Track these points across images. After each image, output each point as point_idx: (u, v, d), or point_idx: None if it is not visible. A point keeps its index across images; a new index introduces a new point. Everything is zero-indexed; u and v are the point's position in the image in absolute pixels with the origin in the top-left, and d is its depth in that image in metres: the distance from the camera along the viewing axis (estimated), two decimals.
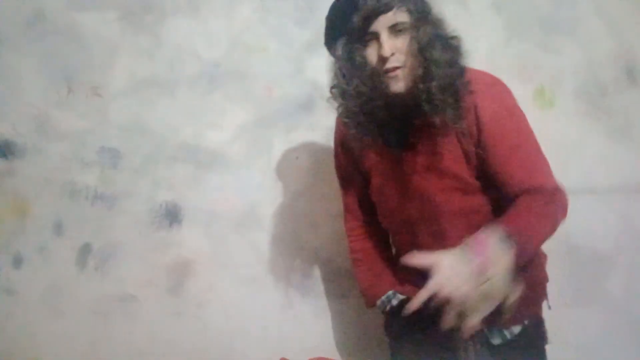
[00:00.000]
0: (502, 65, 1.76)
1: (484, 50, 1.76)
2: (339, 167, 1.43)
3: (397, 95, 1.11)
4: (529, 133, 1.21)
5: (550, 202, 1.17)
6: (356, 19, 1.08)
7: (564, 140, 1.75)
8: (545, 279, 1.32)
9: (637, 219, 1.73)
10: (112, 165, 1.74)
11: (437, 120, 1.10)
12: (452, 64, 1.10)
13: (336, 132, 1.40)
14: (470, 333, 1.03)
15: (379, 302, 1.37)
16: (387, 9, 1.07)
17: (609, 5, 1.78)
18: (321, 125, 1.69)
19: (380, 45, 1.09)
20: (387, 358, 1.46)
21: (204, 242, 1.75)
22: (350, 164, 1.36)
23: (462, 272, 0.99)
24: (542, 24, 1.78)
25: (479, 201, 1.20)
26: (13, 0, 1.74)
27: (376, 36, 1.09)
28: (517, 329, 1.23)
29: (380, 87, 1.10)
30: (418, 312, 1.04)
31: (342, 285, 1.74)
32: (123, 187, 1.74)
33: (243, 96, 1.77)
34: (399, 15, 1.08)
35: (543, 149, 1.74)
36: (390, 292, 1.35)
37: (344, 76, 1.13)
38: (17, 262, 1.73)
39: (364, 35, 1.10)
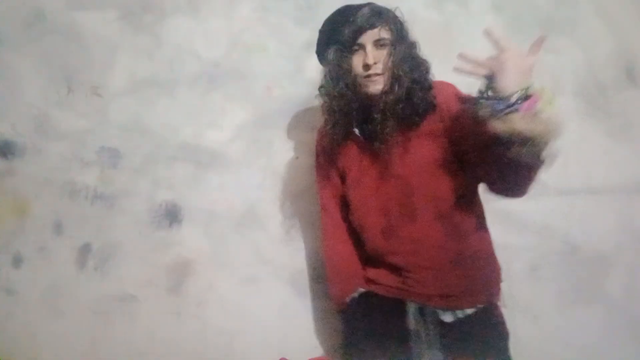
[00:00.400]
0: None
1: (484, 50, 1.76)
2: (318, 168, 1.56)
3: (374, 95, 1.32)
4: None
5: None
6: (347, 31, 1.31)
7: (563, 140, 1.74)
8: (498, 268, 1.43)
9: (637, 218, 1.73)
10: (111, 165, 1.75)
11: (406, 118, 1.32)
12: (416, 81, 1.31)
13: (317, 138, 1.57)
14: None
15: (347, 301, 1.47)
16: (373, 25, 1.30)
17: (608, 5, 1.78)
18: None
19: (365, 55, 1.30)
20: (386, 358, 1.46)
21: (204, 242, 1.75)
22: (327, 164, 1.51)
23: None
24: (542, 24, 1.78)
25: (446, 188, 1.34)
26: (13, 0, 1.74)
27: (362, 47, 1.31)
28: (470, 310, 1.34)
29: (360, 89, 1.33)
30: (378, 304, 1.38)
31: None
32: (123, 186, 1.74)
33: (243, 96, 1.77)
34: (383, 32, 1.31)
35: None
36: (357, 291, 1.47)
37: (332, 79, 1.35)
38: (17, 261, 1.74)
39: (352, 46, 1.31)
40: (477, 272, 1.36)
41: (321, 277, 1.73)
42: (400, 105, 1.30)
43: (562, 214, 1.73)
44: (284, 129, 1.77)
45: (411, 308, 1.36)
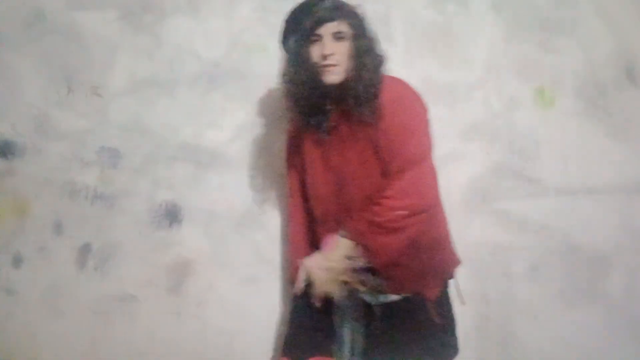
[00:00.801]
0: (502, 65, 1.76)
1: (484, 50, 1.77)
2: (287, 153, 1.64)
3: (330, 85, 1.38)
4: (416, 129, 1.43)
5: (396, 207, 1.36)
6: (308, 22, 1.37)
7: (563, 139, 1.75)
8: (445, 262, 1.48)
9: (637, 218, 1.73)
10: (111, 165, 1.75)
11: (356, 111, 1.37)
12: (376, 73, 1.39)
13: (288, 129, 1.63)
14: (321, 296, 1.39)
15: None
16: (332, 19, 1.37)
17: (608, 5, 1.78)
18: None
19: (323, 46, 1.36)
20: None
21: (204, 241, 1.75)
22: (293, 150, 1.59)
23: (313, 260, 1.41)
24: (542, 25, 1.78)
25: (378, 180, 1.40)
26: (13, 0, 1.74)
27: (321, 38, 1.37)
28: (394, 297, 1.41)
29: (317, 78, 1.38)
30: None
31: None
32: (123, 186, 1.74)
33: (243, 96, 1.77)
34: (341, 26, 1.37)
35: (543, 148, 1.76)
36: None
37: (292, 67, 1.42)
38: (17, 261, 1.74)
39: (312, 36, 1.38)
40: (410, 262, 1.39)
41: None
42: (352, 98, 1.37)
43: (562, 213, 1.73)
44: (284, 129, 1.77)
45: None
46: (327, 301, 1.42)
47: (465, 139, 1.76)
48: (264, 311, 1.74)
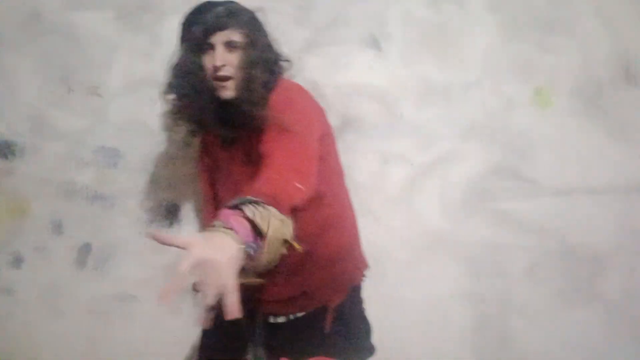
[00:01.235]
0: (499, 65, 1.76)
1: (481, 50, 1.77)
2: (200, 158, 1.56)
3: (226, 101, 1.29)
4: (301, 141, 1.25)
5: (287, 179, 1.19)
6: (198, 30, 1.27)
7: (561, 139, 1.76)
8: (350, 269, 1.44)
9: (636, 218, 1.74)
10: (111, 165, 1.74)
11: (251, 123, 1.27)
12: (268, 84, 1.30)
13: None
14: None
15: None
16: (224, 27, 1.27)
17: (606, 5, 1.78)
18: None
19: (214, 57, 1.27)
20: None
21: None
22: (204, 156, 1.53)
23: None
24: (539, 24, 1.78)
25: None
26: (10, 0, 1.73)
27: (213, 47, 1.28)
28: (300, 314, 1.37)
29: (208, 92, 1.29)
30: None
31: None
32: (122, 186, 1.74)
33: None
34: (234, 35, 1.28)
35: (541, 148, 1.76)
36: None
37: (177, 77, 1.31)
38: (16, 261, 1.74)
39: (203, 45, 1.28)
40: (311, 278, 1.35)
41: None
42: (245, 115, 1.27)
43: (559, 214, 1.73)
44: None
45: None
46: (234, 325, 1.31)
47: (463, 139, 1.76)
48: None
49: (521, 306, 1.72)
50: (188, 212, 1.75)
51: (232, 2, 1.34)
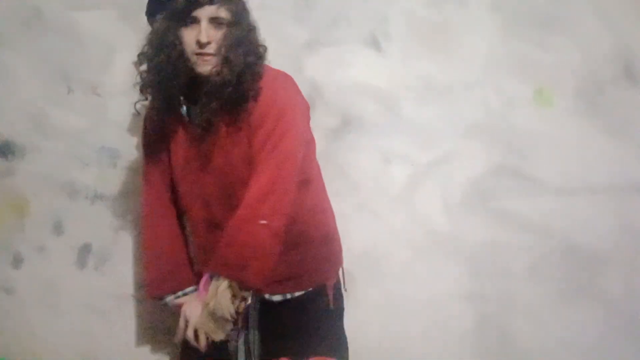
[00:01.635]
0: (500, 64, 1.76)
1: (482, 49, 1.77)
2: (146, 142, 1.48)
3: (203, 75, 1.25)
4: (289, 130, 1.29)
5: (253, 219, 1.24)
6: (181, 1, 1.22)
7: (562, 139, 1.75)
8: (335, 251, 1.47)
9: (636, 218, 1.73)
10: (111, 165, 1.74)
11: (231, 106, 1.26)
12: (249, 66, 1.26)
13: (147, 111, 1.47)
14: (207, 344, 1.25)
15: (171, 298, 1.41)
16: (212, 1, 1.23)
17: (607, 4, 1.78)
18: (321, 125, 1.69)
19: (199, 31, 1.22)
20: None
21: None
22: (156, 140, 1.43)
23: (195, 308, 1.26)
24: (540, 23, 1.78)
25: None
26: (12, 0, 1.73)
27: (197, 22, 1.23)
28: (298, 293, 1.37)
29: (185, 67, 1.24)
30: None
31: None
32: (123, 186, 1.74)
33: None
34: (221, 11, 1.24)
35: (542, 147, 1.76)
36: (190, 289, 1.42)
37: (152, 48, 1.27)
38: (17, 261, 1.73)
39: (185, 18, 1.23)
40: (305, 257, 1.36)
41: None
42: (228, 90, 1.24)
43: (561, 213, 1.73)
44: None
45: None
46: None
47: (464, 138, 1.76)
48: None
49: (522, 306, 1.72)
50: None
51: None
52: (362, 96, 1.74)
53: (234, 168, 1.31)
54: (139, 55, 1.32)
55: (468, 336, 1.72)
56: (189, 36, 1.24)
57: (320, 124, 1.70)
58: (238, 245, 1.21)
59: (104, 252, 1.74)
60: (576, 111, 1.76)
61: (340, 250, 1.50)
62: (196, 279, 1.39)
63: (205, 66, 1.24)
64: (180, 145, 1.37)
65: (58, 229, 1.73)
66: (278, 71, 1.37)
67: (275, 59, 1.76)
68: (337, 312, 1.43)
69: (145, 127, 1.48)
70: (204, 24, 1.23)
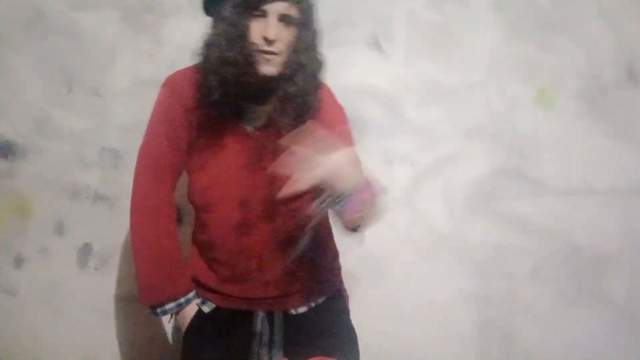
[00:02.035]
0: (503, 65, 1.76)
1: (484, 50, 1.77)
2: (169, 127, 1.26)
3: (264, 77, 1.16)
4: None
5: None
6: None
7: (565, 140, 1.75)
8: (337, 254, 1.41)
9: (639, 219, 1.73)
10: (112, 166, 1.74)
11: (294, 112, 1.19)
12: (316, 74, 1.20)
13: (181, 87, 1.26)
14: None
15: (171, 305, 1.25)
16: None
17: (610, 6, 1.78)
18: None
19: (267, 27, 1.12)
20: None
21: None
22: (183, 126, 1.25)
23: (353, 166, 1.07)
24: (542, 25, 1.78)
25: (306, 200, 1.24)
26: (13, 0, 1.73)
27: (265, 16, 1.13)
28: (321, 299, 1.32)
29: (250, 63, 1.14)
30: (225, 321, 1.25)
31: None
32: (124, 187, 1.73)
33: None
34: (292, 9, 1.14)
35: (545, 149, 1.76)
36: (191, 294, 1.28)
37: (224, 40, 1.15)
38: (18, 262, 1.73)
39: (254, 10, 1.13)
40: (322, 262, 1.33)
41: None
42: (299, 99, 1.18)
43: (563, 214, 1.73)
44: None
45: (259, 316, 1.28)
46: (244, 317, 1.26)
47: (467, 139, 1.76)
48: None
49: (526, 307, 1.72)
50: (188, 212, 1.74)
51: None
52: (365, 98, 1.74)
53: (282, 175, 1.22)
54: (208, 46, 1.18)
55: (472, 338, 1.71)
56: (256, 30, 1.13)
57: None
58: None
59: (106, 252, 1.74)
60: (579, 113, 1.76)
61: (338, 253, 1.46)
62: (194, 285, 1.29)
63: (268, 66, 1.15)
64: (215, 139, 1.24)
65: (59, 229, 1.73)
66: (330, 94, 1.34)
67: None
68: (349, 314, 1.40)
69: (172, 114, 1.26)
70: (273, 19, 1.13)
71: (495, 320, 1.73)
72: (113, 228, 1.74)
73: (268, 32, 1.12)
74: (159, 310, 1.26)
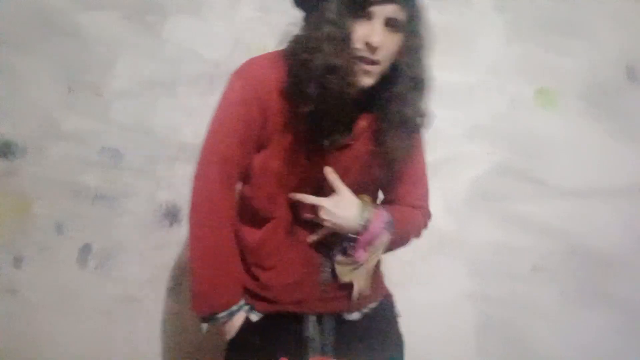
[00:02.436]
0: (504, 65, 1.76)
1: (486, 50, 1.76)
2: (243, 115, 1.12)
3: (361, 88, 1.04)
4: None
5: (423, 218, 1.27)
6: None
7: (566, 140, 1.75)
8: (381, 260, 1.34)
9: None
10: (113, 165, 1.74)
11: (393, 127, 1.10)
12: (422, 91, 1.10)
13: (267, 79, 1.11)
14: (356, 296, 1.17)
15: (223, 314, 1.16)
16: (392, 1, 0.99)
17: (611, 6, 1.77)
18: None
19: (372, 31, 0.99)
20: None
21: None
22: (261, 121, 1.11)
23: (351, 212, 1.11)
24: (544, 25, 1.78)
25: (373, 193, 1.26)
26: (16, 1, 1.74)
27: (370, 18, 1.00)
28: (373, 304, 1.27)
29: (353, 73, 1.01)
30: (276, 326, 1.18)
31: None
32: (124, 187, 1.74)
33: None
34: (401, 13, 1.01)
35: (547, 149, 1.76)
36: (242, 301, 1.18)
37: (330, 43, 0.99)
38: (18, 261, 1.74)
39: (361, 10, 0.99)
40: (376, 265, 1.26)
41: None
42: (405, 118, 1.08)
43: (564, 214, 1.73)
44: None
45: (310, 320, 1.21)
46: (294, 321, 1.20)
47: (468, 140, 1.76)
48: None
49: (527, 307, 1.71)
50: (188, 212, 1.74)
51: None
52: None
53: (368, 185, 1.19)
54: (311, 50, 1.02)
55: (472, 337, 1.71)
56: (360, 33, 1.00)
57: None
58: (408, 223, 1.21)
59: (106, 252, 1.74)
60: (581, 113, 1.76)
61: None
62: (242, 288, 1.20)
63: (366, 77, 1.02)
64: (297, 155, 1.12)
65: (60, 229, 1.74)
66: None
67: None
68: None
69: (248, 104, 1.11)
70: (379, 23, 0.99)
71: (495, 320, 1.72)
72: (113, 228, 1.74)
73: (372, 38, 0.98)
74: (210, 318, 1.16)
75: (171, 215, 1.74)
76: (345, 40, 0.99)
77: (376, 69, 1.02)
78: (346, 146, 1.12)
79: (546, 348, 1.71)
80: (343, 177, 1.13)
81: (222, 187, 1.13)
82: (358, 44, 1.00)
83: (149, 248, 1.73)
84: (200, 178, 1.16)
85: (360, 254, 1.14)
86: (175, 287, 1.74)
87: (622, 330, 1.70)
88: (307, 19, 1.08)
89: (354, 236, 1.12)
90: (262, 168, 1.14)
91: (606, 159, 1.74)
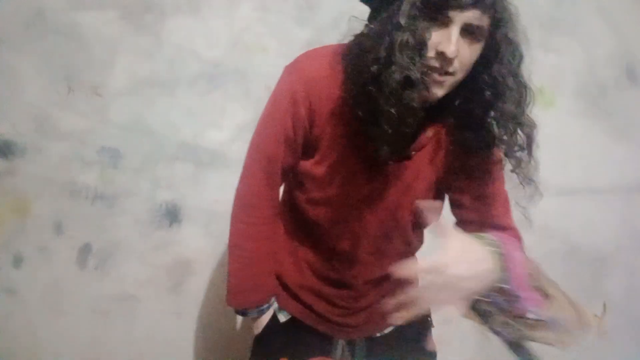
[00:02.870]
0: None
1: None
2: (291, 115, 1.05)
3: (433, 100, 0.93)
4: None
5: (520, 244, 1.15)
6: None
7: (564, 140, 1.75)
8: None
9: (637, 218, 1.73)
10: (112, 165, 1.74)
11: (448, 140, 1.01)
12: (518, 117, 0.98)
13: (323, 83, 1.01)
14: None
15: (253, 311, 1.19)
16: (477, 3, 0.85)
17: (609, 5, 1.78)
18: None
19: (448, 40, 0.86)
20: None
21: (204, 241, 1.75)
22: (308, 124, 1.04)
23: (482, 265, 0.89)
24: (542, 24, 1.78)
25: (419, 235, 1.19)
26: (15, 1, 1.74)
27: (446, 25, 0.87)
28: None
29: (426, 84, 0.89)
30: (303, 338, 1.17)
31: None
32: (123, 186, 1.74)
33: (243, 96, 1.77)
34: (482, 19, 0.87)
35: (544, 148, 1.75)
36: (273, 300, 1.22)
37: (402, 51, 0.86)
38: (17, 261, 1.74)
39: (438, 14, 0.86)
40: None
41: None
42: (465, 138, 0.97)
43: (562, 213, 1.73)
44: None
45: (339, 344, 1.22)
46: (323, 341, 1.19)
47: None
48: None
49: None
50: (188, 212, 1.75)
51: None
52: None
53: (404, 216, 1.08)
54: (371, 35, 0.92)
55: (469, 336, 1.71)
56: (435, 40, 0.87)
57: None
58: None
59: (105, 252, 1.74)
60: (578, 112, 1.76)
61: None
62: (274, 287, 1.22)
63: (438, 89, 0.91)
64: (348, 169, 1.04)
65: (59, 229, 1.74)
66: None
67: (276, 60, 1.77)
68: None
69: (298, 104, 1.03)
70: (456, 30, 0.86)
71: None
72: (113, 227, 1.74)
73: (447, 48, 0.86)
74: (242, 312, 1.20)
75: (171, 215, 1.75)
76: (420, 49, 0.86)
77: (449, 80, 0.91)
78: (407, 158, 1.01)
79: (545, 347, 1.71)
80: (404, 196, 1.04)
81: (265, 185, 1.12)
82: (431, 52, 0.88)
83: (148, 248, 1.73)
84: (246, 175, 1.16)
85: (529, 303, 0.92)
86: (175, 287, 1.74)
87: (619, 329, 1.71)
88: (374, 17, 0.96)
89: (495, 294, 0.92)
90: (311, 175, 1.08)
91: (604, 158, 1.74)
